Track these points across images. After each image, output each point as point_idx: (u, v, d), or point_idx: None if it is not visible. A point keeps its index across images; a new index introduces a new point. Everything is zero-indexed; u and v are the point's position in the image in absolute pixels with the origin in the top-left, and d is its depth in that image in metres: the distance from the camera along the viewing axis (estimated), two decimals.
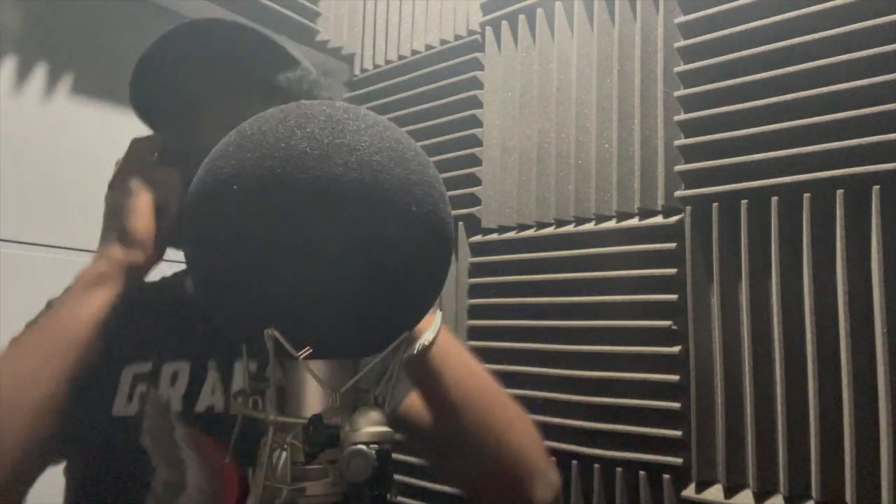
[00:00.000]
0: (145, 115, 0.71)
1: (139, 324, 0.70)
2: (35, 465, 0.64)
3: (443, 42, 1.21)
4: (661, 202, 0.91)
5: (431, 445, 0.69)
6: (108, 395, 0.66)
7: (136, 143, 0.69)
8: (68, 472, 0.70)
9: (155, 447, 0.65)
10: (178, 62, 0.66)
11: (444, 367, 0.63)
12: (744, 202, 0.83)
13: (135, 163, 0.67)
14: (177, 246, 0.70)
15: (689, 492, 0.84)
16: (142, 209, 0.63)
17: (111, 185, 0.66)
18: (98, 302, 0.60)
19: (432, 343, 0.46)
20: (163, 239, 0.65)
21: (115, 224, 0.63)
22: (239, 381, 0.68)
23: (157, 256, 0.65)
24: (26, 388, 0.55)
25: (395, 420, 0.72)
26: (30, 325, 0.61)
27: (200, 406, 0.67)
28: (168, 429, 0.65)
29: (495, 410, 0.67)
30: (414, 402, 0.70)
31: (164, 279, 0.77)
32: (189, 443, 0.65)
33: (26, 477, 0.61)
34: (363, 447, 0.36)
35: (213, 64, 0.67)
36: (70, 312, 0.59)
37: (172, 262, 0.76)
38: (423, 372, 0.60)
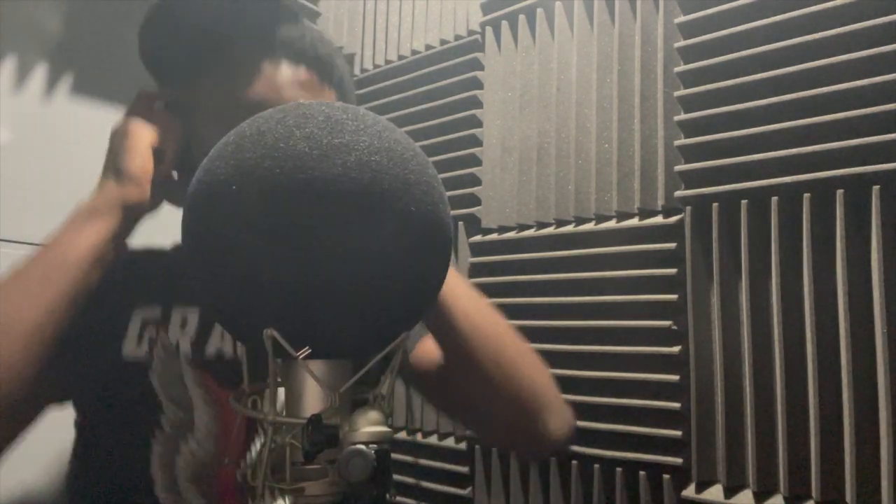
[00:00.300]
0: (153, 70, 0.72)
1: (149, 269, 0.72)
2: (35, 399, 0.64)
3: (443, 42, 1.21)
4: (661, 202, 0.91)
5: (444, 386, 0.71)
6: (117, 338, 0.68)
7: (142, 94, 0.70)
8: (77, 418, 0.71)
9: (164, 388, 0.67)
10: (179, 18, 0.67)
11: (454, 304, 0.64)
12: (744, 202, 0.83)
13: (138, 109, 0.68)
14: (174, 201, 0.71)
15: (689, 492, 0.84)
16: (140, 149, 0.64)
17: (113, 130, 0.67)
18: (94, 232, 0.60)
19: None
20: (161, 182, 0.66)
21: (113, 163, 0.64)
22: None
23: (153, 200, 0.66)
24: (21, 312, 0.55)
25: (410, 366, 0.73)
26: (28, 257, 0.62)
27: (210, 350, 0.69)
28: (177, 371, 0.67)
29: (506, 345, 0.67)
30: (427, 345, 0.71)
31: (175, 244, 0.78)
32: (198, 385, 0.67)
33: (25, 408, 0.62)
34: (362, 447, 0.36)
35: (213, 20, 0.68)
36: (66, 241, 0.60)
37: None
38: (434, 309, 0.61)
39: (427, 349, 0.72)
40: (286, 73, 0.68)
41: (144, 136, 0.65)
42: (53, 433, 0.69)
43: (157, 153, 0.66)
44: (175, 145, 0.67)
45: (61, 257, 0.59)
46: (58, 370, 0.59)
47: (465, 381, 0.66)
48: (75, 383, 0.68)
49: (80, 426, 0.71)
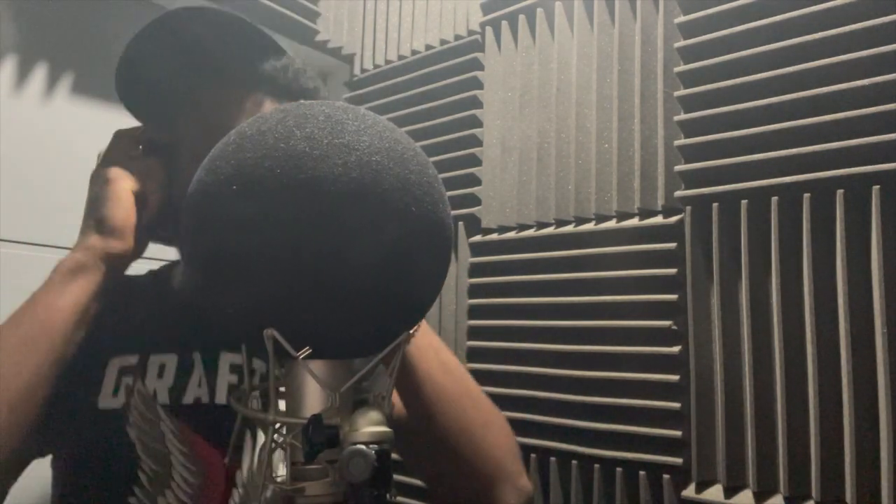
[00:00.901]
0: (131, 107, 0.71)
1: (125, 315, 0.69)
2: (18, 458, 0.63)
3: (443, 42, 1.21)
4: (661, 202, 0.91)
5: (405, 441, 0.69)
6: (93, 388, 0.66)
7: (120, 135, 0.68)
8: (55, 465, 0.69)
9: (141, 439, 0.65)
10: (158, 53, 0.65)
11: (418, 365, 0.63)
12: (744, 202, 0.83)
13: (117, 153, 0.66)
14: (159, 240, 0.69)
15: (689, 492, 0.84)
16: (122, 198, 0.62)
17: (93, 175, 0.65)
18: (77, 291, 0.59)
19: (410, 337, 0.46)
20: (144, 230, 0.64)
21: (95, 213, 0.62)
22: (224, 372, 0.68)
23: (138, 248, 0.64)
24: (6, 380, 0.54)
25: None
26: (10, 318, 0.61)
27: (188, 398, 0.67)
28: (155, 421, 0.65)
29: (469, 410, 0.67)
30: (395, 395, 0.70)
31: (150, 272, 0.77)
32: (176, 435, 0.65)
33: (9, 469, 0.61)
34: (363, 447, 0.36)
35: (193, 54, 0.66)
36: (49, 302, 0.58)
37: (156, 260, 0.77)
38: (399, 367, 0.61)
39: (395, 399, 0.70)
40: (268, 107, 0.66)
41: (126, 182, 0.62)
42: (34, 483, 0.67)
43: (140, 199, 0.63)
44: (158, 190, 0.64)
45: (46, 320, 0.57)
46: (38, 425, 0.58)
47: (424, 442, 0.65)
48: (54, 436, 0.65)
49: (59, 479, 0.69)
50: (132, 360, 0.67)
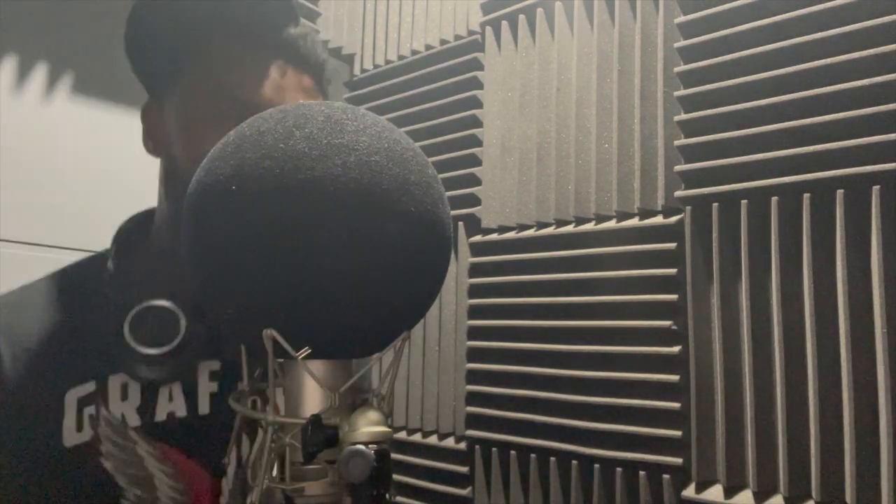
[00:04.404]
0: (143, 76, 0.67)
1: (70, 339, 0.63)
2: None
3: (443, 42, 1.21)
4: (661, 202, 0.91)
5: None
6: (54, 426, 0.60)
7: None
8: None
9: (119, 469, 0.60)
10: (172, 10, 0.62)
11: None
12: (744, 202, 0.83)
13: None
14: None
15: (689, 492, 0.84)
16: None
17: None
18: None
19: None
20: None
21: None
22: (204, 380, 0.65)
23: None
24: None
25: None
26: None
27: (160, 415, 0.62)
28: (129, 446, 0.61)
29: None
30: None
31: (54, 278, 0.69)
32: (155, 456, 0.62)
33: None
34: (362, 447, 0.36)
35: (213, 12, 0.63)
36: None
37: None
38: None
39: None
40: (292, 79, 0.64)
41: None
42: None
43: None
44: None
45: None
46: (5, 484, 0.55)
47: None
48: (23, 487, 0.59)
49: None
50: (90, 387, 0.61)
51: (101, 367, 0.62)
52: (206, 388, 0.65)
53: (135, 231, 0.69)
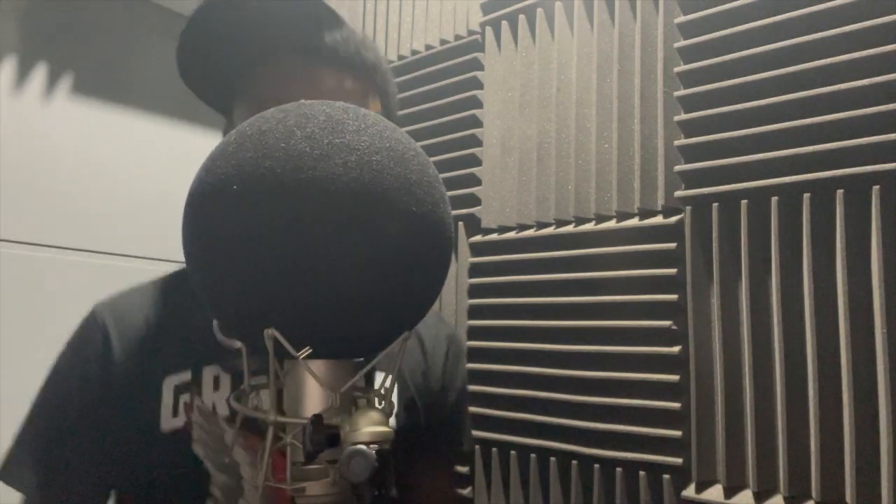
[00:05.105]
0: (196, 89, 0.69)
1: (170, 335, 0.69)
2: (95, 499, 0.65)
3: (443, 42, 1.21)
4: (661, 202, 0.91)
5: None
6: (153, 412, 0.65)
7: None
8: (118, 496, 0.69)
9: (208, 455, 0.64)
10: (220, 30, 0.64)
11: None
12: (744, 202, 0.83)
13: None
14: None
15: (689, 492, 0.84)
16: None
17: None
18: None
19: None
20: None
21: None
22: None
23: None
24: None
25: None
26: None
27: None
28: (218, 434, 0.65)
29: None
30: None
31: (158, 283, 0.74)
32: (241, 447, 0.65)
33: None
34: (363, 447, 0.36)
35: (257, 28, 0.65)
36: None
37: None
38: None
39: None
40: (330, 82, 0.65)
41: None
42: None
43: None
44: None
45: None
46: (103, 458, 0.59)
47: None
48: (119, 467, 0.65)
49: None
50: (186, 376, 0.67)
51: (196, 359, 0.67)
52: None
53: None
